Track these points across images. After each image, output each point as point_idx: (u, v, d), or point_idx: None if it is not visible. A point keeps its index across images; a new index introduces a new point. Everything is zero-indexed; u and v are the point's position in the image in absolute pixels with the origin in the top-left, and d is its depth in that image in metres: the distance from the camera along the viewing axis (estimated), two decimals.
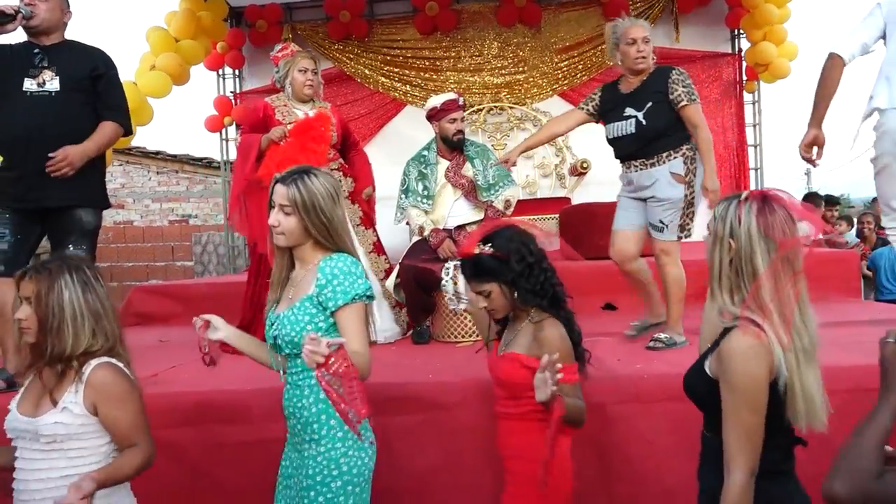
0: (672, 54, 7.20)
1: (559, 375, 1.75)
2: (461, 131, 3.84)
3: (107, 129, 3.21)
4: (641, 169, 3.35)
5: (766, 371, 1.52)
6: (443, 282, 2.27)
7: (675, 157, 3.29)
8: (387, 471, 2.27)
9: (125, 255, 9.71)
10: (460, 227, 3.86)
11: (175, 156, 10.66)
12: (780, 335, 1.53)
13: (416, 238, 3.95)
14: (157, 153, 10.55)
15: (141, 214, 10.65)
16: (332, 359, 1.58)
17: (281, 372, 1.99)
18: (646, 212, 3.38)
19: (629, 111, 3.31)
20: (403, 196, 3.94)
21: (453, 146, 3.86)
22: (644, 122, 3.26)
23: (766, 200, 1.59)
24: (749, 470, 1.49)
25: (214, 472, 2.66)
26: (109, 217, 10.57)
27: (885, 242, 6.64)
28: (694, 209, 3.37)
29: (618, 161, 3.50)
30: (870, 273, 6.36)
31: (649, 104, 3.25)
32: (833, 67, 3.10)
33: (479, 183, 3.86)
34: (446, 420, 2.66)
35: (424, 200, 3.86)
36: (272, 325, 1.96)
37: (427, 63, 7.44)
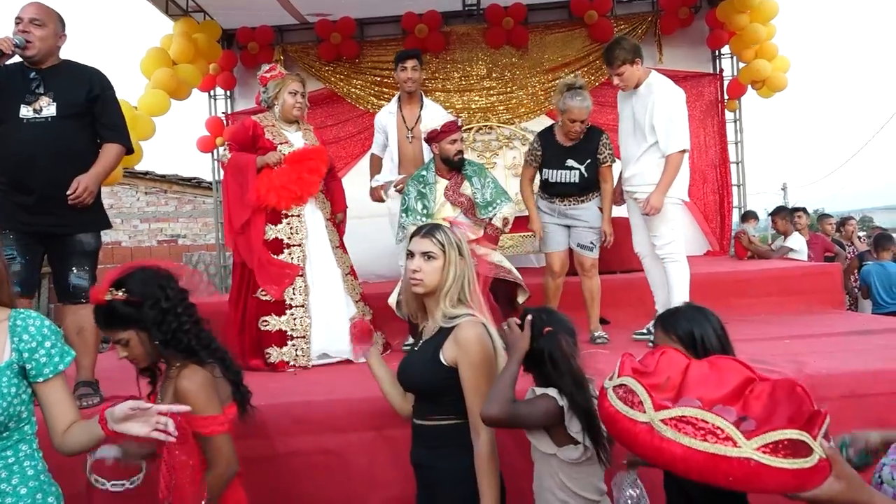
0: None
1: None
2: (461, 151, 3.96)
3: (111, 151, 3.23)
4: (575, 205, 4.17)
5: (492, 348, 1.97)
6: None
7: (596, 196, 4.18)
8: None
9: None
10: None
11: (164, 176, 10.68)
12: (486, 317, 2.02)
13: None
14: (146, 173, 10.56)
15: (129, 235, 10.64)
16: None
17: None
18: (570, 236, 4.19)
19: (571, 163, 4.09)
20: (404, 215, 4.03)
21: (454, 166, 3.96)
22: (585, 175, 4.09)
23: (456, 224, 2.10)
24: (492, 430, 1.91)
25: None
26: None
27: (861, 259, 6.84)
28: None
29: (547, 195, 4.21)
30: (859, 288, 6.54)
31: (588, 160, 4.08)
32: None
33: (477, 201, 3.96)
34: None
35: (424, 219, 3.95)
36: None
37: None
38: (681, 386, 1.39)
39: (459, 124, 3.99)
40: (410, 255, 2.04)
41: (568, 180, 4.12)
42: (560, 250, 4.22)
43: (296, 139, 3.97)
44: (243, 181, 3.80)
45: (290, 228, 3.85)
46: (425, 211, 3.96)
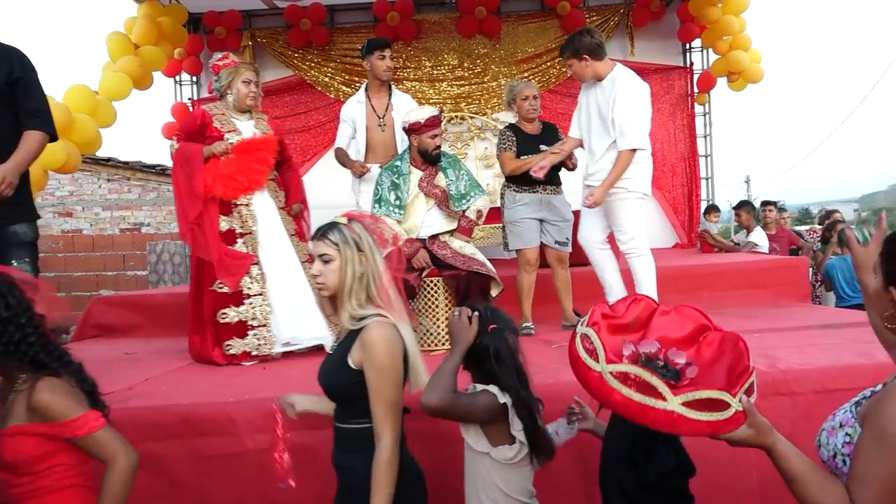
0: (628, 66, 7.43)
1: None
2: (440, 146, 3.91)
3: (33, 138, 3.03)
4: (553, 194, 4.23)
5: (401, 351, 1.86)
6: None
7: (562, 189, 4.31)
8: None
9: (73, 264, 9.42)
10: (434, 237, 3.91)
11: (127, 163, 10.41)
12: (400, 317, 1.90)
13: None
14: (108, 160, 10.29)
15: (90, 223, 10.37)
16: None
17: None
18: (542, 231, 4.21)
19: (543, 147, 4.18)
20: (376, 206, 3.96)
21: (430, 160, 3.91)
22: None
23: (356, 219, 1.96)
24: (396, 435, 1.81)
25: (198, 486, 2.64)
26: (57, 225, 10.27)
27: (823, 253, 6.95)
28: None
29: (524, 187, 4.20)
30: (821, 282, 6.66)
31: (555, 144, 4.17)
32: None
33: (451, 193, 3.91)
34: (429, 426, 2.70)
35: (397, 210, 3.90)
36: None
37: None
38: (645, 326, 1.64)
39: (441, 118, 3.93)
40: (312, 258, 1.98)
41: None
42: (536, 246, 4.24)
43: (246, 128, 3.87)
44: (191, 172, 3.70)
45: (241, 218, 3.77)
46: (398, 202, 3.90)
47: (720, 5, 6.77)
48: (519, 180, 4.21)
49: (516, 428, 1.91)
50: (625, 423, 1.62)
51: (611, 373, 1.44)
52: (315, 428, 2.30)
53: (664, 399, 1.38)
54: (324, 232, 1.94)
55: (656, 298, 3.85)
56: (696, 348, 1.60)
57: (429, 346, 3.78)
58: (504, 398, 1.91)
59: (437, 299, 3.80)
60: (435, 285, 3.80)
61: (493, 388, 1.93)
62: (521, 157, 4.19)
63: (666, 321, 1.66)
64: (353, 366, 1.85)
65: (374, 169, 4.32)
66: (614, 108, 3.76)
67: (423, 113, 3.91)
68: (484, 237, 6.20)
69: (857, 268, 1.63)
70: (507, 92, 4.35)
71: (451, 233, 3.94)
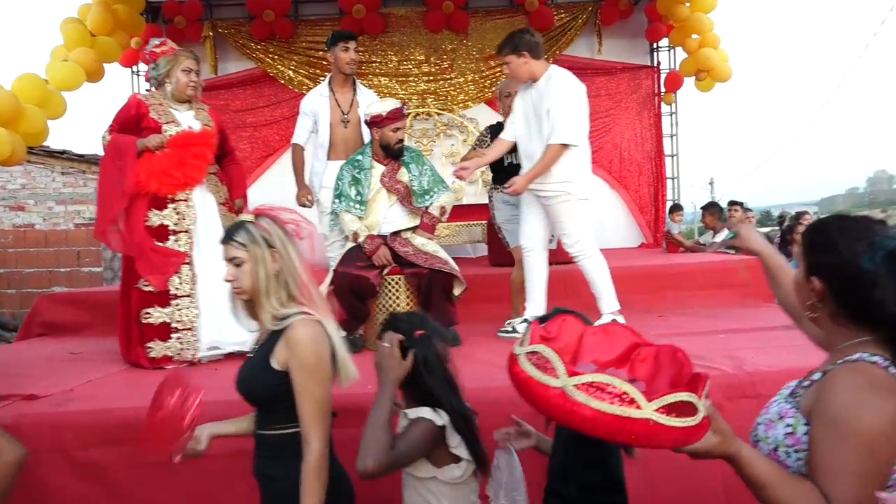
0: (595, 65, 7.42)
1: None
2: (402, 140, 3.79)
3: None
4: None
5: (328, 348, 1.77)
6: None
7: None
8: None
9: (25, 260, 9.09)
10: (395, 234, 3.80)
11: (82, 156, 10.06)
12: (324, 313, 1.80)
13: (339, 243, 3.87)
14: (62, 152, 9.93)
15: (43, 217, 10.00)
16: None
17: None
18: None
19: None
20: (337, 201, 3.83)
21: (392, 154, 3.79)
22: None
23: (264, 215, 1.86)
24: (325, 438, 1.72)
25: (138, 494, 2.49)
26: (8, 220, 9.90)
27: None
28: None
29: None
30: None
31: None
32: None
33: (414, 188, 3.80)
34: None
35: (358, 206, 3.78)
36: None
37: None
38: (576, 351, 1.58)
39: (405, 111, 3.81)
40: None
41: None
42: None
43: (186, 119, 3.68)
44: (122, 165, 3.49)
45: (178, 214, 3.57)
46: (359, 197, 3.78)
47: (688, 3, 6.76)
48: (500, 180, 4.15)
49: (453, 444, 1.78)
50: (571, 437, 1.56)
51: (575, 385, 1.30)
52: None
53: (639, 407, 1.25)
54: (230, 234, 1.84)
55: (614, 298, 3.82)
56: (630, 367, 1.55)
57: None
58: (441, 419, 1.78)
59: (398, 298, 3.69)
60: (396, 283, 3.69)
61: (426, 413, 1.78)
62: (506, 165, 4.11)
63: (595, 342, 1.61)
64: (277, 367, 1.75)
65: (325, 196, 4.16)
66: (549, 102, 3.67)
67: (386, 105, 3.79)
68: (449, 235, 6.11)
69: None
70: (498, 89, 4.23)
71: (413, 230, 3.83)
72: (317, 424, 1.71)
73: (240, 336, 3.55)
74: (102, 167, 3.69)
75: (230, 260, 1.82)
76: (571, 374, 1.31)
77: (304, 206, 4.36)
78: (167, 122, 3.60)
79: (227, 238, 1.83)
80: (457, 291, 3.77)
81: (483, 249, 6.25)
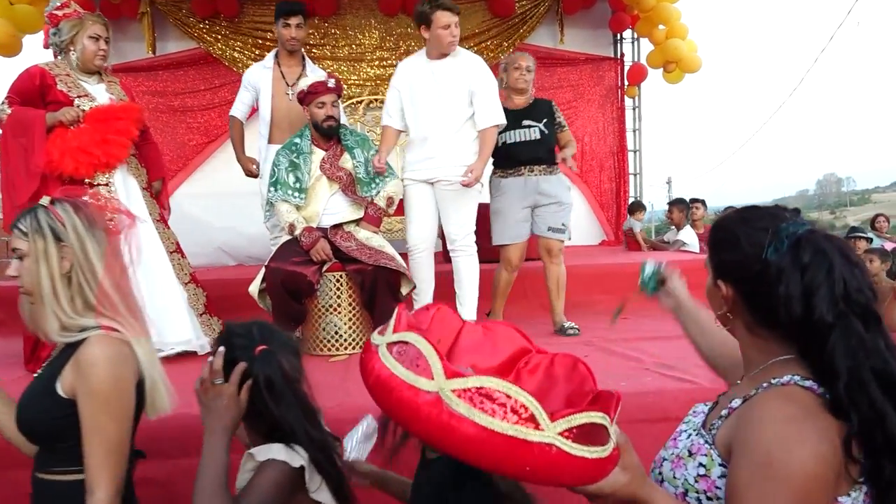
0: (556, 55, 7.14)
1: None
2: (332, 117, 3.41)
3: None
4: (545, 175, 3.83)
5: (133, 375, 1.44)
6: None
7: (559, 170, 3.91)
8: None
9: None
10: (337, 227, 3.44)
11: None
12: (136, 330, 1.48)
13: (285, 237, 3.48)
14: None
15: None
16: None
17: None
18: (535, 218, 3.84)
19: (528, 122, 3.81)
20: (272, 189, 3.46)
21: (325, 134, 3.43)
22: (546, 132, 3.81)
23: (64, 200, 1.51)
24: (115, 488, 1.37)
25: None
26: None
27: None
28: None
29: (508, 171, 3.85)
30: None
31: (545, 119, 3.83)
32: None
33: (359, 176, 3.45)
34: None
35: (296, 194, 3.41)
36: None
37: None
38: (451, 351, 1.26)
39: (332, 85, 3.42)
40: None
41: (529, 138, 3.80)
42: (522, 242, 3.86)
43: (98, 92, 3.27)
44: (28, 143, 3.08)
45: (98, 200, 3.17)
46: (298, 185, 3.42)
47: None
48: (502, 163, 3.86)
49: (313, 488, 1.40)
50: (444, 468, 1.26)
51: (454, 391, 0.92)
52: None
53: (539, 427, 0.91)
54: (16, 220, 1.49)
55: (476, 306, 3.62)
56: (515, 377, 1.25)
57: (327, 350, 3.31)
58: (298, 459, 1.40)
59: (339, 297, 3.34)
60: (337, 281, 3.34)
61: (278, 453, 1.39)
62: (503, 146, 3.79)
63: (475, 342, 1.30)
64: (62, 394, 1.40)
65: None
66: (475, 80, 3.50)
67: (311, 81, 3.45)
68: (401, 230, 5.75)
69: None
70: (502, 68, 4.01)
71: (356, 222, 3.48)
72: (104, 469, 1.36)
73: (182, 334, 3.20)
74: (4, 146, 3.23)
75: (13, 251, 1.48)
76: (451, 375, 0.94)
77: (251, 174, 4.17)
78: (79, 97, 3.18)
79: (14, 224, 1.49)
80: (404, 290, 3.45)
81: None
